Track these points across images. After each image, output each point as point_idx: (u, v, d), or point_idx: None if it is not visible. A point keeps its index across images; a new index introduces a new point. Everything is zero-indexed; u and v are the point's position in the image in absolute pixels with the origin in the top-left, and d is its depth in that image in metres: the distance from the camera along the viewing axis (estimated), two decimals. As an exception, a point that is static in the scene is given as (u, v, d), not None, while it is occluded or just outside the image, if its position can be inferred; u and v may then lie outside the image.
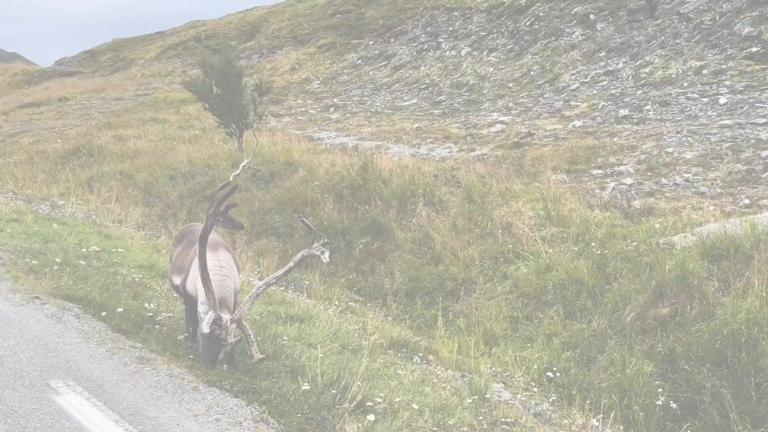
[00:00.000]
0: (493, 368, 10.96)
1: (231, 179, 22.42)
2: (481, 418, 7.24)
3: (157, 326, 8.02)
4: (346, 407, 6.11)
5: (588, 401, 10.10)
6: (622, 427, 9.47)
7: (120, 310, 8.06)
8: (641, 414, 9.78)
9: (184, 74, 47.97)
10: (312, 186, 20.58)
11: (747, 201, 15.63)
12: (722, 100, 23.94)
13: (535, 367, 10.94)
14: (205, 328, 6.70)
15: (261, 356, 6.76)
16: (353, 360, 8.21)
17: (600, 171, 19.59)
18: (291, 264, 7.34)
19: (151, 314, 8.31)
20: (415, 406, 6.66)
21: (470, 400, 7.76)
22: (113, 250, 11.66)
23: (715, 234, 12.80)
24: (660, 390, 10.12)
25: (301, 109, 37.28)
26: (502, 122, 27.47)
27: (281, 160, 23.86)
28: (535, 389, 10.29)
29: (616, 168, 19.55)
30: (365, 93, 39.21)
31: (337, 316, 11.26)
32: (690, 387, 10.38)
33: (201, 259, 6.82)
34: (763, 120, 21.18)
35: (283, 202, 19.89)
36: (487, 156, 22.72)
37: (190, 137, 29.46)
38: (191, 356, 7.11)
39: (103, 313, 7.90)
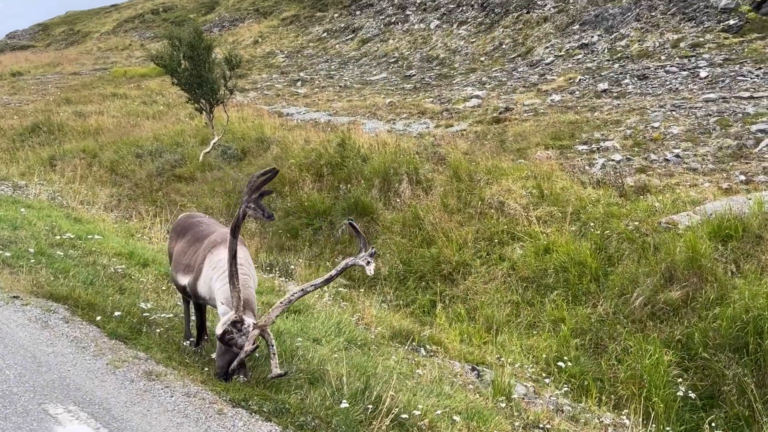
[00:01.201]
0: (501, 358, 10.36)
1: (201, 157, 21.50)
2: (517, 423, 6.61)
3: (156, 328, 7.14)
4: (383, 425, 5.37)
5: (605, 393, 9.61)
6: (644, 421, 8.93)
7: (118, 313, 7.14)
8: (661, 405, 9.25)
9: (143, 48, 46.57)
10: (287, 164, 19.75)
11: (742, 177, 15.20)
12: (702, 73, 23.56)
13: (543, 356, 10.36)
14: (218, 329, 5.90)
15: (279, 372, 5.94)
16: (367, 359, 7.53)
17: (585, 147, 19.05)
18: (333, 273, 6.46)
19: (146, 314, 7.43)
20: (457, 418, 5.97)
21: (503, 405, 7.12)
22: (89, 236, 10.72)
23: (719, 213, 12.31)
24: (680, 380, 9.61)
25: (267, 83, 36.25)
26: (477, 97, 26.83)
27: (252, 136, 22.96)
28: (547, 380, 9.71)
29: (602, 143, 19.03)
30: (332, 67, 38.28)
31: (332, 304, 10.54)
32: (708, 375, 9.90)
33: (230, 252, 5.98)
34: (747, 93, 20.83)
35: (258, 181, 18.99)
36: (466, 132, 22.07)
37: (154, 113, 28.34)
38: (206, 369, 6.26)
39: (98, 318, 6.99)
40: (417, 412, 5.69)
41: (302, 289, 6.49)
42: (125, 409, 5.37)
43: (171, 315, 7.63)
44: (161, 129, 24.67)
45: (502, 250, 13.63)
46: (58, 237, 10.25)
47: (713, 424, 9.01)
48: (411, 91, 30.47)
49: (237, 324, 5.95)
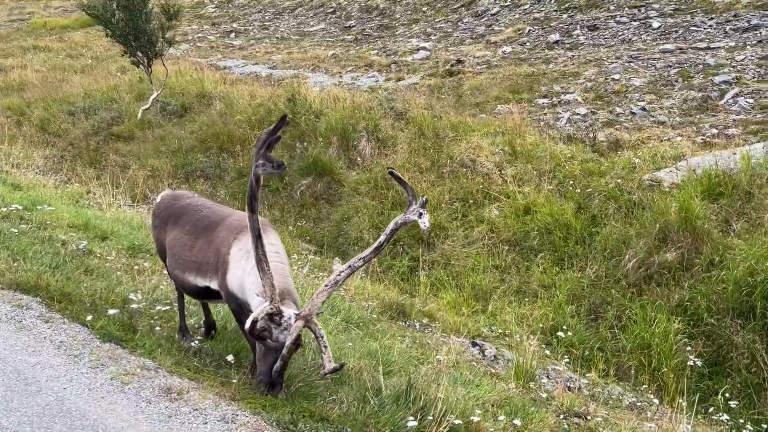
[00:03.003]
0: (495, 328, 9.75)
1: (140, 114, 20.15)
2: (561, 417, 5.95)
3: (144, 320, 6.07)
4: None
5: (610, 365, 9.10)
6: (657, 393, 8.45)
7: (112, 312, 6.04)
8: (671, 376, 8.78)
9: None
10: (233, 120, 18.60)
11: (714, 130, 14.82)
12: (655, 24, 23.17)
13: (540, 325, 9.76)
14: (247, 322, 4.85)
15: (334, 366, 4.95)
16: (377, 344, 6.73)
17: (546, 100, 18.46)
18: (382, 239, 5.30)
19: (135, 305, 6.36)
20: (518, 422, 5.24)
21: (540, 394, 6.45)
22: (38, 207, 9.52)
23: (706, 169, 11.87)
24: (688, 348, 9.14)
25: (199, 35, 34.57)
26: (424, 49, 25.94)
27: (192, 91, 21.62)
28: (547, 352, 9.12)
29: (563, 97, 18.46)
30: (267, 17, 36.72)
31: (313, 277, 9.69)
32: (713, 342, 9.47)
33: (253, 231, 4.90)
34: (704, 44, 20.51)
35: (205, 140, 17.82)
36: (419, 85, 21.22)
37: (83, 67, 26.54)
38: (234, 380, 5.21)
39: (88, 318, 5.83)
40: (476, 418, 4.93)
41: (349, 266, 5.38)
42: (153, 447, 4.24)
43: (150, 300, 6.51)
44: (92, 84, 23.01)
45: (478, 211, 12.94)
46: (4, 209, 9.02)
47: (726, 395, 8.59)
48: (353, 43, 29.38)
49: (275, 317, 4.94)
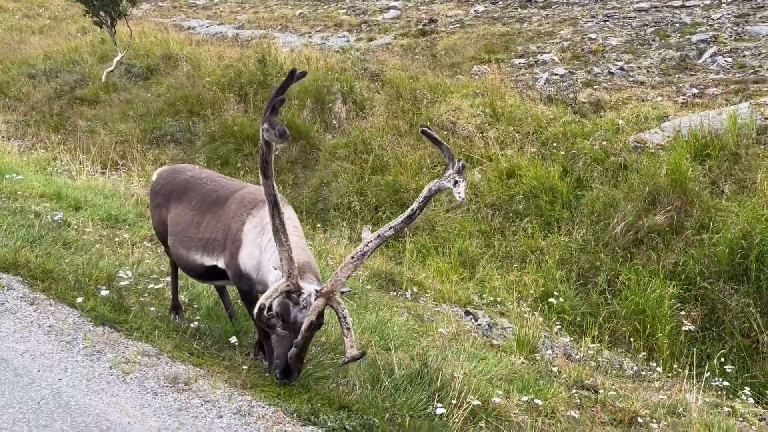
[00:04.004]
0: (485, 296, 9.52)
1: (104, 77, 19.45)
2: (574, 391, 5.73)
3: (131, 296, 5.64)
4: (459, 417, 4.29)
5: (604, 331, 8.92)
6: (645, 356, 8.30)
7: (105, 292, 5.55)
8: (665, 342, 8.65)
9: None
10: (202, 83, 18.02)
11: (694, 90, 14.65)
12: (629, -19, 22.89)
13: (531, 291, 9.54)
14: (257, 305, 4.30)
15: (355, 354, 4.41)
16: (375, 317, 6.44)
17: (522, 60, 18.17)
18: (415, 206, 4.69)
19: (125, 281, 5.91)
20: (539, 401, 4.99)
21: (555, 368, 6.21)
22: (7, 176, 9.00)
23: (691, 130, 11.68)
24: (682, 313, 9.00)
25: (161, -6, 33.55)
26: (394, 8, 25.44)
27: (157, 53, 20.92)
28: (540, 319, 8.90)
29: (539, 56, 18.17)
30: (230, -24, 35.74)
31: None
32: (705, 305, 9.34)
33: (269, 198, 4.38)
34: (679, 2, 20.33)
35: (174, 103, 17.23)
36: (392, 45, 20.77)
37: (41, 27, 25.59)
38: (244, 366, 4.78)
39: (79, 300, 5.31)
40: (497, 399, 4.67)
41: (378, 235, 4.75)
42: (165, 445, 3.75)
43: (136, 275, 6.08)
44: (52, 46, 22.16)
45: (460, 174, 12.63)
46: (-30, 179, 8.52)
47: (722, 359, 8.48)
48: (320, 2, 28.74)
49: (292, 295, 4.45)
